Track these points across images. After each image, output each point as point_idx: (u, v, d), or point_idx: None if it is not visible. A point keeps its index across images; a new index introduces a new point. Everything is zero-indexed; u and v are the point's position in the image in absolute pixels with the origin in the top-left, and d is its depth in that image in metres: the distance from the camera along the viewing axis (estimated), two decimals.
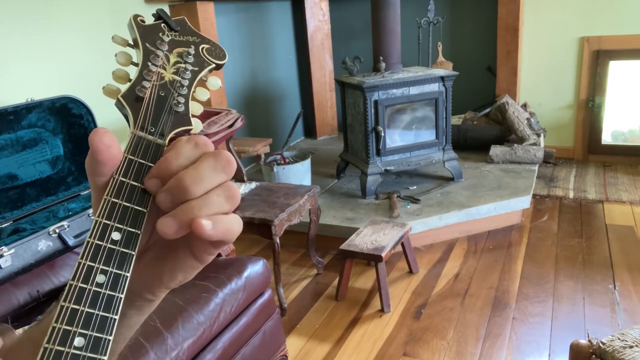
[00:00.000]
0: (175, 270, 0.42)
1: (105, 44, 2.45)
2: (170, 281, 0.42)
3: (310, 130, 4.56)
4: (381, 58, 3.02)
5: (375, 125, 2.93)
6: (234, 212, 0.40)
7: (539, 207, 3.15)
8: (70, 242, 1.58)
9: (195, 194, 0.37)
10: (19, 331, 1.36)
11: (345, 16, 4.41)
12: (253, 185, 2.49)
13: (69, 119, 1.70)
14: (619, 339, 1.28)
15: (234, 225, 0.38)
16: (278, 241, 2.13)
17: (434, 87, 3.01)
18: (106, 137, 0.37)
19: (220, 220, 0.37)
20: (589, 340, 1.32)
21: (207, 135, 2.36)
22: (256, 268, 1.70)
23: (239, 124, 2.62)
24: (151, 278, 0.42)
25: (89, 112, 1.73)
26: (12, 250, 1.44)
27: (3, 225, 1.53)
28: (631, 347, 1.24)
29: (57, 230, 1.56)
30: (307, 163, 3.09)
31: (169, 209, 0.37)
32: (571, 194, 3.29)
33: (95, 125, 1.74)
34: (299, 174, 3.04)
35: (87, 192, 1.77)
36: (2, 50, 2.04)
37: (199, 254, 0.41)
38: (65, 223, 1.58)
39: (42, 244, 1.52)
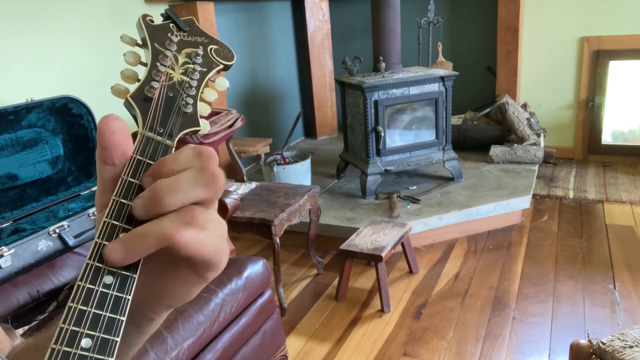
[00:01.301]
0: (176, 284, 0.40)
1: (106, 44, 2.45)
2: (171, 297, 0.41)
3: (310, 130, 4.56)
4: (381, 58, 3.02)
5: (375, 125, 2.93)
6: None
7: (539, 207, 3.15)
8: (70, 242, 1.58)
9: (167, 205, 0.35)
10: (19, 331, 1.36)
11: (345, 16, 4.41)
12: (253, 185, 2.49)
13: (69, 119, 1.70)
14: (619, 339, 1.28)
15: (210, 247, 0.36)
16: (278, 241, 2.13)
17: (434, 87, 3.01)
18: (113, 123, 0.36)
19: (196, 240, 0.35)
20: (589, 340, 1.32)
21: (207, 135, 2.36)
22: (256, 268, 1.70)
23: (239, 124, 2.63)
24: (152, 292, 0.40)
25: (89, 112, 1.73)
26: (12, 250, 1.44)
27: (3, 225, 1.53)
28: (631, 347, 1.24)
29: (57, 230, 1.56)
30: (307, 163, 3.09)
31: (143, 217, 0.35)
32: (571, 194, 3.29)
33: (95, 125, 1.74)
34: (299, 174, 3.04)
35: (87, 192, 1.77)
36: (2, 50, 2.03)
37: (199, 270, 0.39)
38: (65, 223, 1.58)
39: (42, 244, 1.52)
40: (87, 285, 0.35)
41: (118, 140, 0.37)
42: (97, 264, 0.36)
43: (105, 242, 0.36)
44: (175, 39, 0.44)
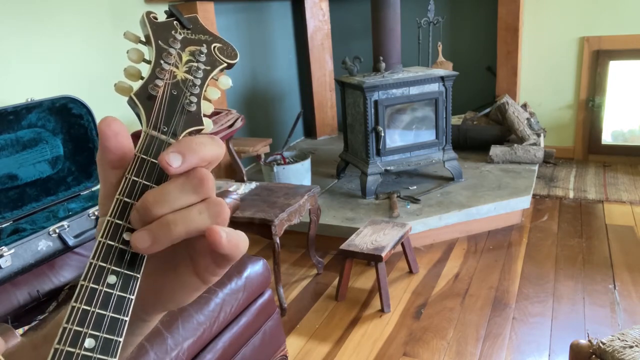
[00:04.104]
0: (175, 288, 0.40)
1: (106, 44, 2.45)
2: (168, 300, 0.40)
3: (310, 130, 4.56)
4: (381, 58, 3.02)
5: (375, 125, 2.93)
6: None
7: (539, 207, 3.15)
8: (70, 242, 1.58)
9: (157, 214, 0.35)
10: (19, 331, 1.36)
11: (345, 16, 4.41)
12: (253, 185, 2.49)
13: (69, 119, 1.70)
14: (619, 339, 1.28)
15: (241, 242, 0.37)
16: (278, 241, 2.13)
17: (434, 87, 3.01)
18: (114, 124, 0.36)
19: (232, 234, 0.36)
20: (589, 340, 1.32)
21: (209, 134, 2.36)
22: (256, 268, 1.70)
23: (239, 124, 2.63)
24: (148, 294, 0.40)
25: (89, 112, 1.73)
26: (12, 250, 1.44)
27: (3, 225, 1.53)
28: (631, 347, 1.24)
29: (57, 230, 1.56)
30: (307, 163, 3.09)
31: (140, 227, 0.35)
32: (571, 194, 3.29)
33: (95, 126, 1.74)
34: (299, 174, 3.04)
35: (87, 192, 1.77)
36: (2, 50, 2.03)
37: (202, 273, 0.39)
38: (65, 223, 1.58)
39: (42, 244, 1.52)
40: (91, 284, 0.35)
41: (121, 141, 0.37)
42: (101, 264, 0.36)
43: (109, 242, 0.36)
44: (179, 37, 0.43)
